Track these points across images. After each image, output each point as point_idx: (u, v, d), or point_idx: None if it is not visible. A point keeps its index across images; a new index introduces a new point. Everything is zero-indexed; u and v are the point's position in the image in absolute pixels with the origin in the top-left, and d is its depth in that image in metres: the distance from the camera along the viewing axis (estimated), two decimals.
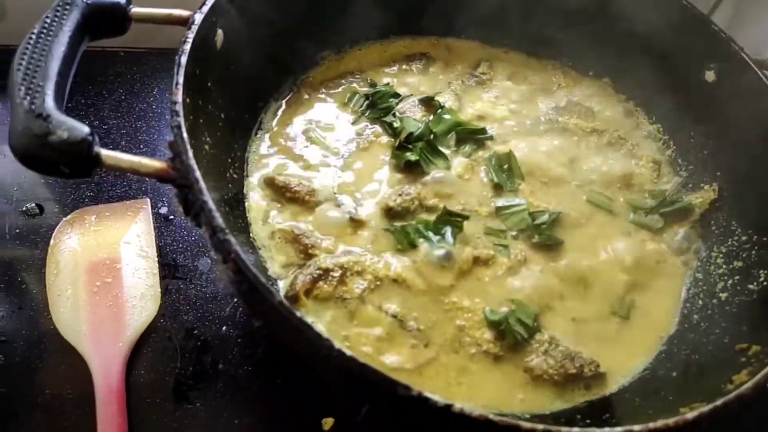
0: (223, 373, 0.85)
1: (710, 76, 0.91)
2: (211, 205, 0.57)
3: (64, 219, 0.95)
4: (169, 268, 0.94)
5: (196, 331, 0.89)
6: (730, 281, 0.81)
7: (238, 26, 0.81)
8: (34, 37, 0.62)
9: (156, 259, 0.93)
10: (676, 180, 0.94)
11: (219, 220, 0.56)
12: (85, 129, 0.58)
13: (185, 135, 0.60)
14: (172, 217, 0.99)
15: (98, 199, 1.00)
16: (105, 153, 0.59)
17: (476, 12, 1.04)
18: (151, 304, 0.89)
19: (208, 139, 0.75)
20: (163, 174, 0.60)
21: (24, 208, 0.97)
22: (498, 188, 0.87)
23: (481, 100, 0.99)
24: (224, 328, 0.89)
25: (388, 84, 0.97)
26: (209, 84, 0.75)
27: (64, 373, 0.83)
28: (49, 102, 0.58)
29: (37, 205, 0.98)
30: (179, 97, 0.63)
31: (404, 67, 1.02)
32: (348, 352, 0.50)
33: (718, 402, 0.55)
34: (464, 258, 0.80)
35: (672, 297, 0.84)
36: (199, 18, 0.70)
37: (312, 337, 0.51)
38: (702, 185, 0.92)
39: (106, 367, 0.82)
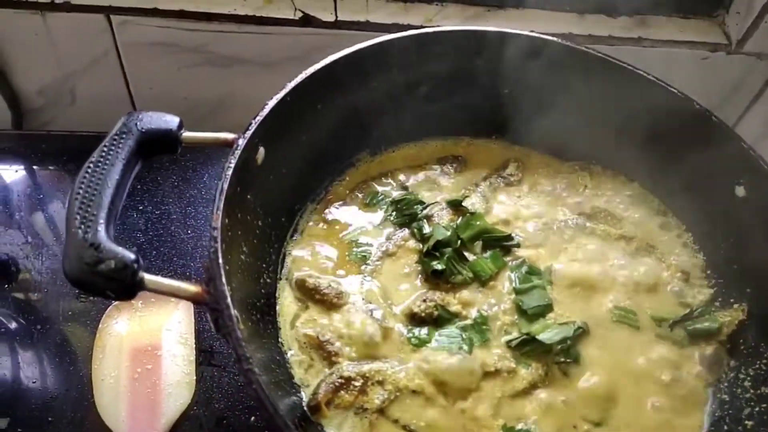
0: None
1: (740, 191, 0.91)
2: (239, 334, 0.61)
3: (113, 304, 1.02)
4: (205, 355, 0.99)
5: (225, 421, 0.93)
6: (757, 408, 0.80)
7: (279, 141, 0.86)
8: (92, 166, 0.69)
9: (194, 345, 0.98)
10: (705, 293, 0.93)
11: (244, 349, 0.60)
12: (131, 256, 0.64)
13: (221, 261, 0.66)
14: None
15: None
16: (148, 278, 0.65)
17: (509, 114, 1.07)
18: (186, 392, 0.94)
19: (244, 248, 0.80)
20: (198, 298, 0.65)
21: (77, 291, 1.05)
22: (523, 313, 0.88)
23: (509, 202, 1.02)
24: (252, 418, 0.93)
25: (411, 193, 1.01)
26: (248, 197, 0.81)
27: None
28: (101, 231, 0.64)
29: None
30: (219, 222, 0.68)
31: (436, 169, 1.06)
32: None
33: None
34: (483, 368, 0.82)
35: (696, 419, 0.82)
36: (242, 143, 0.76)
37: None
38: (731, 301, 0.91)
39: None
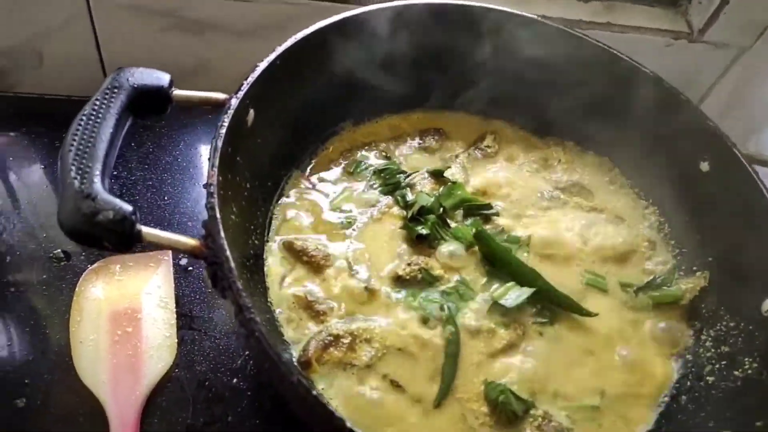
0: (232, 425, 0.89)
1: (705, 166, 0.96)
2: (239, 285, 0.62)
3: (90, 268, 1.00)
4: (185, 319, 0.99)
5: (207, 383, 0.93)
6: (717, 365, 0.86)
7: (268, 104, 0.87)
8: (84, 119, 0.69)
9: (174, 309, 0.98)
10: (669, 262, 0.99)
11: (246, 299, 0.62)
12: (129, 208, 0.64)
13: (218, 216, 0.66)
14: (191, 268, 1.05)
15: None
16: (146, 230, 0.65)
17: (487, 89, 1.10)
18: (167, 354, 0.94)
19: (234, 209, 0.80)
20: (196, 251, 0.66)
21: (51, 255, 1.03)
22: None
23: (487, 173, 1.05)
24: (235, 380, 0.94)
25: (393, 162, 1.04)
26: (238, 159, 0.81)
27: (82, 418, 0.87)
28: (97, 183, 0.64)
29: (63, 252, 1.03)
30: (215, 179, 0.69)
31: (418, 141, 1.09)
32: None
33: None
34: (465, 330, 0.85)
35: (662, 377, 0.88)
36: (235, 103, 0.77)
37: (325, 414, 0.56)
38: (694, 269, 0.97)
39: (122, 415, 0.86)
